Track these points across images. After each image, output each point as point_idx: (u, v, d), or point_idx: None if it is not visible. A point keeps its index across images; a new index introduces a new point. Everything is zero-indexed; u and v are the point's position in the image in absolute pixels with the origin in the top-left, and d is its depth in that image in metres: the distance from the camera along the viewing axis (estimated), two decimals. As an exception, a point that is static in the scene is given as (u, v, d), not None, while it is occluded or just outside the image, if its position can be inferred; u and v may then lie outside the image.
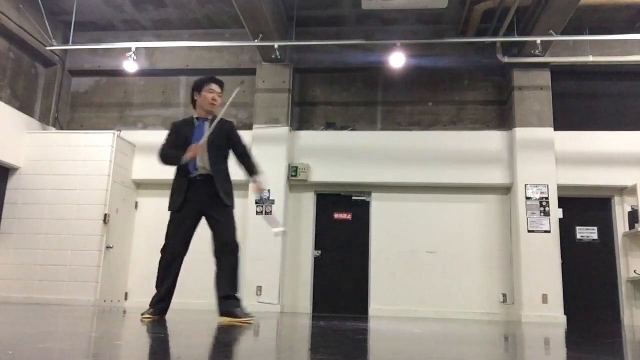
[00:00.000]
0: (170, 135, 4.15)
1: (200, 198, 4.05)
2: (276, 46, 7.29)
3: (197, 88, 4.18)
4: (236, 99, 8.27)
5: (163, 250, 4.12)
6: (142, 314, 3.99)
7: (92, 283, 7.03)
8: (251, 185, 4.35)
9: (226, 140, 4.12)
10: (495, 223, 7.63)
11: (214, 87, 4.17)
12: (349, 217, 7.95)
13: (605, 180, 7.39)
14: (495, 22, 7.19)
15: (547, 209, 7.23)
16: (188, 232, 4.14)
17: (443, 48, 7.98)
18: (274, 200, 7.50)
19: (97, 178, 7.31)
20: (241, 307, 3.97)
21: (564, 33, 6.96)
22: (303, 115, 8.27)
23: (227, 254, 4.10)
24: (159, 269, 4.10)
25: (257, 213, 7.48)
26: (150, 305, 4.06)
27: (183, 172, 4.05)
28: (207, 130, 4.04)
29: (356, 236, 7.84)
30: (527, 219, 7.24)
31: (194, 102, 4.22)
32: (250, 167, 4.23)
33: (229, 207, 4.14)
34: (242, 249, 4.15)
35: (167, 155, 4.06)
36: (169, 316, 4.39)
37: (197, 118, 4.17)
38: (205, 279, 7.78)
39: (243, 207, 7.72)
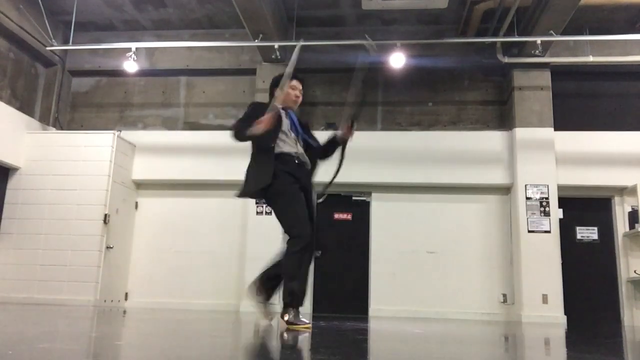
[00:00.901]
0: (253, 114, 3.74)
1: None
2: (276, 46, 7.29)
3: (277, 84, 3.91)
4: (236, 99, 8.34)
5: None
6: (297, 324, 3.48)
7: (92, 283, 7.02)
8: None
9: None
10: (495, 223, 7.63)
11: (295, 83, 3.96)
12: (349, 217, 7.95)
13: (605, 180, 7.38)
14: (495, 22, 7.19)
15: (547, 209, 7.23)
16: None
17: (443, 48, 7.97)
18: (274, 200, 7.49)
19: (97, 178, 7.31)
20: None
21: (564, 33, 6.96)
22: (303, 115, 8.21)
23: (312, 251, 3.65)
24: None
25: (257, 213, 7.48)
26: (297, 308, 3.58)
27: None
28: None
29: (356, 236, 7.83)
30: (527, 219, 7.23)
31: (271, 97, 3.91)
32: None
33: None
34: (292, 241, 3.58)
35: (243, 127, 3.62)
36: (168, 316, 4.39)
37: (283, 108, 3.86)
38: (204, 279, 7.81)
39: (243, 207, 7.73)
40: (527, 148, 7.40)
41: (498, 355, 2.33)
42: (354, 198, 7.97)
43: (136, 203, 8.08)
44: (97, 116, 8.53)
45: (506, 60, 7.58)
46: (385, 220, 7.75)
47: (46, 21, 7.68)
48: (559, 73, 7.71)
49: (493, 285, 7.45)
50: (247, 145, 3.93)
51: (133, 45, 7.45)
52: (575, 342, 3.39)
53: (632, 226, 7.25)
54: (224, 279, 7.67)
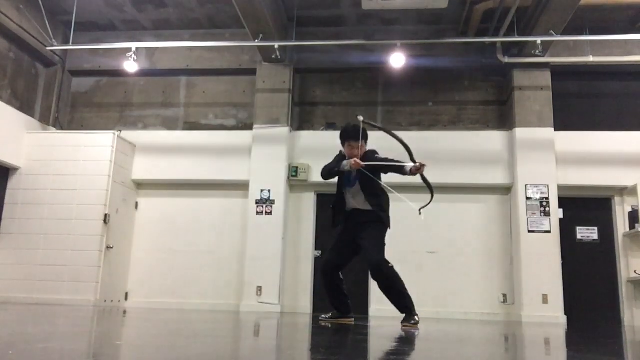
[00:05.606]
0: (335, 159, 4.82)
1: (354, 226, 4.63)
2: (276, 46, 7.29)
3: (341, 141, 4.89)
4: (236, 99, 8.34)
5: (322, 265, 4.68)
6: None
7: (92, 283, 7.02)
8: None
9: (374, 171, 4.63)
10: (495, 223, 7.62)
11: (353, 143, 4.76)
12: (349, 217, 7.92)
13: (605, 180, 7.38)
14: (495, 22, 7.19)
15: (547, 209, 7.23)
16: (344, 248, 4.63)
17: (443, 48, 7.97)
18: (274, 200, 7.49)
19: (97, 178, 7.31)
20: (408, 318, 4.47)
21: (564, 33, 6.96)
22: (303, 115, 8.27)
23: (375, 276, 4.47)
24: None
25: (257, 213, 7.48)
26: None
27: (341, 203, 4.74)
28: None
29: (356, 236, 7.81)
30: (527, 219, 7.23)
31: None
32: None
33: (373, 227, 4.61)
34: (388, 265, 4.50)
35: (328, 167, 4.79)
36: (168, 316, 4.39)
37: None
38: (204, 279, 7.81)
39: (243, 207, 7.74)
40: (527, 148, 7.39)
41: (498, 355, 2.33)
42: (354, 198, 7.95)
43: (136, 203, 8.08)
44: (97, 116, 8.53)
45: (506, 60, 7.58)
46: (385, 220, 7.73)
47: (46, 21, 7.68)
48: (559, 73, 7.71)
49: (493, 285, 7.44)
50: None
51: (133, 45, 7.45)
52: (575, 342, 3.39)
53: (632, 226, 7.25)
54: (224, 279, 7.67)
